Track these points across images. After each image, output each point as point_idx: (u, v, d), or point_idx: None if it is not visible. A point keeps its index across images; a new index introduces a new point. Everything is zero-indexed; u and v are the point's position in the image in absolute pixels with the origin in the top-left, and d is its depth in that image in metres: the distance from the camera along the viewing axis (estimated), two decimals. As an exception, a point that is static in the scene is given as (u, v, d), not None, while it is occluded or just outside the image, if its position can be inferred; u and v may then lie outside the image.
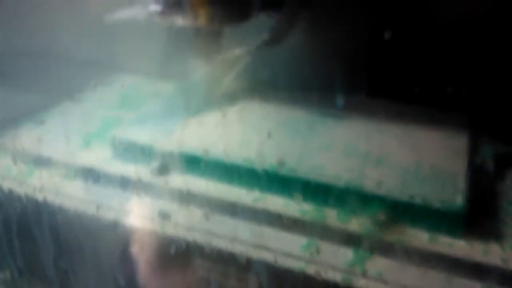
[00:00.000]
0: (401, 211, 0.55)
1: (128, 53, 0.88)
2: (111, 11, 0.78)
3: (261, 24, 0.72)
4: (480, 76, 0.68)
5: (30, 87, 0.89)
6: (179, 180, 0.65)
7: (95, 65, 0.91)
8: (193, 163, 0.64)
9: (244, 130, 0.68)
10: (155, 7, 0.69)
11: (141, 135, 0.69)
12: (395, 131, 0.66)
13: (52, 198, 0.66)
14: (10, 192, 0.68)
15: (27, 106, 0.83)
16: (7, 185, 0.69)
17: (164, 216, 0.61)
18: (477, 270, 0.51)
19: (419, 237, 0.54)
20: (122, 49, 0.88)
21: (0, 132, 0.78)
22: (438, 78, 0.69)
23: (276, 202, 0.60)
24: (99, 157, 0.70)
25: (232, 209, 0.61)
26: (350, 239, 0.56)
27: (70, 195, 0.66)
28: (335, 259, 0.54)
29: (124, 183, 0.66)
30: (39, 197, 0.67)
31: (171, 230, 0.60)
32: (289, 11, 0.71)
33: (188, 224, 0.60)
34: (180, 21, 0.69)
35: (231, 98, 0.75)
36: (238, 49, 0.75)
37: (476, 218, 0.55)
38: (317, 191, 0.58)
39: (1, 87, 0.90)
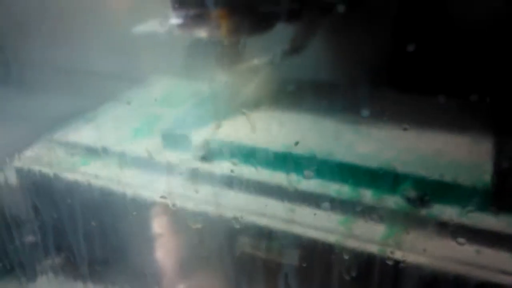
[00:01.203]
0: (432, 189, 0.59)
1: (150, 66, 0.90)
2: (133, 25, 0.80)
3: (281, 33, 0.72)
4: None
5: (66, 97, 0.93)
6: (223, 165, 0.70)
7: (118, 78, 0.93)
8: (235, 151, 0.69)
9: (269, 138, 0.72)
10: (176, 20, 0.71)
11: (187, 128, 0.74)
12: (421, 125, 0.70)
13: (107, 184, 0.72)
14: (67, 180, 0.74)
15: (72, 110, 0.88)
16: (65, 174, 0.75)
17: (214, 196, 0.67)
18: (502, 241, 0.56)
19: (448, 212, 0.59)
20: (144, 62, 0.90)
21: (53, 129, 0.83)
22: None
23: (314, 184, 0.64)
24: (149, 147, 0.75)
25: (273, 191, 0.66)
26: (383, 215, 0.60)
27: (124, 182, 0.72)
28: (370, 233, 0.59)
29: (173, 169, 0.71)
30: (95, 183, 0.72)
31: (218, 209, 0.65)
32: (308, 21, 0.72)
33: (232, 204, 0.66)
34: (200, 33, 0.71)
35: (251, 107, 0.75)
36: (258, 59, 0.76)
37: (501, 194, 0.59)
38: (352, 173, 0.63)
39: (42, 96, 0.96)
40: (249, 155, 0.69)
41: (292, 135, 0.70)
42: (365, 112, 0.66)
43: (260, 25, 0.71)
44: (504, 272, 0.54)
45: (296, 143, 0.67)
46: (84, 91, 0.92)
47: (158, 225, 0.71)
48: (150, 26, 0.78)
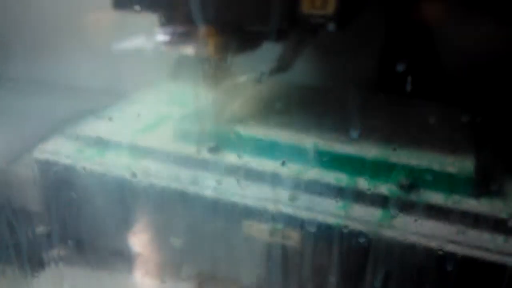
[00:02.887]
0: (421, 177, 0.67)
1: (137, 81, 0.94)
2: (119, 41, 0.83)
3: (267, 52, 0.74)
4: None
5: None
6: (230, 157, 0.75)
7: (104, 94, 0.97)
8: (242, 143, 0.75)
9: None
10: (162, 37, 0.71)
11: (196, 123, 0.80)
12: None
13: (122, 174, 0.76)
14: (85, 170, 0.78)
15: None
16: (81, 164, 0.79)
17: (219, 184, 0.72)
18: (484, 222, 0.63)
19: (435, 197, 0.66)
20: (131, 77, 0.94)
21: (66, 125, 0.86)
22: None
23: (315, 173, 0.71)
24: (161, 140, 0.80)
25: (276, 179, 0.71)
26: (379, 200, 0.67)
27: (141, 171, 0.76)
28: (366, 216, 0.66)
29: (184, 160, 0.76)
30: (112, 173, 0.77)
31: (224, 196, 0.71)
32: (295, 40, 0.74)
33: (237, 191, 0.71)
34: (187, 50, 0.72)
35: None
36: (244, 76, 0.78)
37: (483, 181, 0.66)
38: (350, 162, 0.70)
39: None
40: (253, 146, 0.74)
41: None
42: (354, 133, 0.71)
43: (247, 44, 0.73)
44: (483, 249, 0.61)
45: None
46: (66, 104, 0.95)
47: (173, 212, 0.76)
48: (136, 43, 0.81)
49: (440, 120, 0.72)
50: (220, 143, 0.76)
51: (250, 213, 0.70)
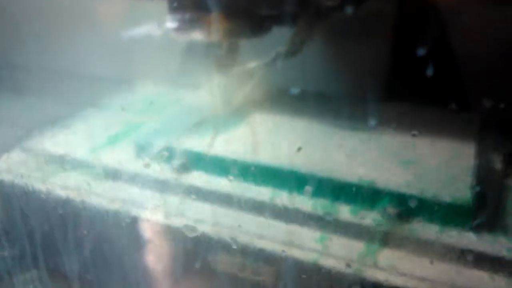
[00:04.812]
0: (411, 205, 0.57)
1: (145, 69, 0.91)
2: (128, 28, 0.80)
3: (277, 37, 0.72)
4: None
5: (51, 99, 0.93)
6: (199, 177, 0.68)
7: (112, 81, 0.95)
8: (211, 162, 0.67)
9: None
10: (171, 24, 0.70)
11: (162, 137, 0.73)
12: (403, 133, 0.68)
13: (75, 196, 0.69)
14: (35, 191, 0.71)
15: (50, 115, 0.87)
16: (33, 185, 0.72)
17: (183, 210, 0.64)
18: (484, 260, 0.53)
19: (428, 230, 0.57)
20: (139, 65, 0.91)
21: (27, 137, 0.81)
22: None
23: (291, 199, 0.62)
24: (122, 157, 0.73)
25: (247, 205, 0.64)
26: (362, 232, 0.58)
27: (95, 193, 0.69)
28: (347, 251, 0.57)
29: (145, 180, 0.69)
30: (63, 195, 0.70)
31: (188, 224, 0.63)
32: (304, 24, 0.71)
33: (202, 218, 0.63)
34: (196, 36, 0.70)
35: (244, 111, 0.77)
36: (253, 62, 0.76)
37: (483, 211, 0.57)
38: (330, 187, 0.61)
39: (23, 99, 0.94)
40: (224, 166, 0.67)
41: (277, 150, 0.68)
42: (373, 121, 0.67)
43: (256, 29, 0.71)
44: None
45: (299, 149, 0.65)
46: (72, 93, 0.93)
47: (132, 237, 0.69)
48: (145, 29, 0.77)
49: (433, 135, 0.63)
50: (187, 161, 0.69)
51: (216, 244, 0.62)
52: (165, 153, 0.70)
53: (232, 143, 0.69)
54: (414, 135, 0.65)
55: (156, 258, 0.67)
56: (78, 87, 0.94)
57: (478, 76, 0.73)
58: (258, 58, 0.75)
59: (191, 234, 0.62)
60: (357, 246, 0.57)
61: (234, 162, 0.66)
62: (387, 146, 0.66)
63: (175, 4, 0.69)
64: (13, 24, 0.98)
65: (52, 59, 0.99)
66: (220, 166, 0.67)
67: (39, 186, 0.72)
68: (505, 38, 0.70)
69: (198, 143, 0.70)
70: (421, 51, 0.61)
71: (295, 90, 0.75)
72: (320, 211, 0.60)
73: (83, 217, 0.69)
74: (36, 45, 0.95)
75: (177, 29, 0.70)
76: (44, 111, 0.90)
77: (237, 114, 0.75)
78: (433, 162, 0.62)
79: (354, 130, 0.69)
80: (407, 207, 0.58)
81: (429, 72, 0.59)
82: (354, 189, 0.60)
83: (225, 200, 0.65)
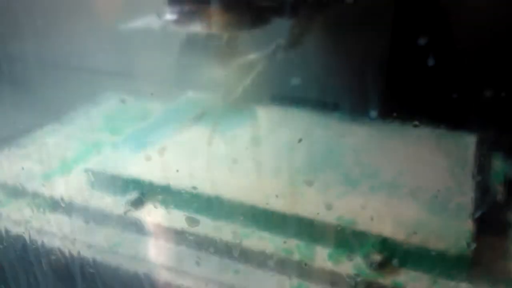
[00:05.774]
0: (398, 251, 0.49)
1: (143, 61, 0.85)
2: (126, 20, 0.77)
3: (277, 29, 0.71)
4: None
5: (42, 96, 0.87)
6: (154, 213, 0.61)
7: (110, 75, 0.89)
8: (170, 195, 0.61)
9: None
10: (170, 16, 0.69)
11: (119, 163, 0.66)
12: (396, 153, 0.60)
13: (22, 232, 0.63)
14: None
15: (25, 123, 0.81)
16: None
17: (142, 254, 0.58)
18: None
19: (418, 280, 0.49)
20: (137, 57, 0.85)
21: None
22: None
23: (263, 239, 0.55)
24: (75, 186, 0.67)
25: (212, 246, 0.57)
26: (342, 281, 0.50)
27: (42, 228, 0.64)
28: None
29: (97, 215, 0.63)
30: (12, 230, 0.64)
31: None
32: (304, 16, 0.69)
33: (163, 263, 0.57)
34: (195, 28, 0.69)
35: (245, 104, 0.74)
36: (253, 54, 0.74)
37: (482, 257, 0.49)
38: (305, 228, 0.53)
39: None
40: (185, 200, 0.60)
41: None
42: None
43: (256, 20, 0.69)
44: None
45: (300, 140, 0.61)
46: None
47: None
48: (144, 22, 0.75)
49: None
50: (144, 194, 0.63)
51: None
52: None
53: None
54: (415, 126, 0.60)
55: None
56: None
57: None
58: (258, 50, 0.73)
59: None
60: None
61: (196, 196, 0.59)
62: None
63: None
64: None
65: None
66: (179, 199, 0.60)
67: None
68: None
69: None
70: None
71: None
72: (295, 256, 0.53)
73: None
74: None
75: (176, 21, 0.69)
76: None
77: (236, 107, 0.74)
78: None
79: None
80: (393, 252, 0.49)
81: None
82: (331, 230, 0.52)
83: (181, 239, 0.58)
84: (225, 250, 0.55)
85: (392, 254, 0.50)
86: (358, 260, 0.51)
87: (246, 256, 0.55)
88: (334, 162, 0.63)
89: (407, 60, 0.64)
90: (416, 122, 0.60)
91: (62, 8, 0.87)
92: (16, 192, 0.69)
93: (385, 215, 0.53)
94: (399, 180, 0.58)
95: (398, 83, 0.69)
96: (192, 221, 0.58)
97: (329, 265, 0.52)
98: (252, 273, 0.54)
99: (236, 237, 0.56)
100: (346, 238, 0.52)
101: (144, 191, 0.62)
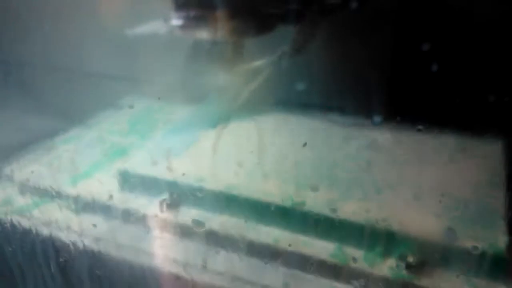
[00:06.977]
0: (433, 253, 0.50)
1: (150, 67, 0.85)
2: (133, 25, 0.77)
3: (282, 35, 0.71)
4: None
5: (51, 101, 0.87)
6: (189, 214, 0.62)
7: (117, 80, 0.90)
8: (205, 197, 0.61)
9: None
10: (176, 21, 0.69)
11: (151, 165, 0.66)
12: (424, 161, 0.61)
13: (57, 233, 0.63)
14: (14, 226, 0.66)
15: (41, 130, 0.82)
16: (12, 218, 0.66)
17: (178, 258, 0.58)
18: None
19: (453, 281, 0.49)
20: (144, 62, 0.86)
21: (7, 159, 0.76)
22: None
23: (298, 241, 0.55)
24: (106, 189, 0.67)
25: (246, 248, 0.57)
26: (378, 283, 0.51)
27: (76, 230, 0.64)
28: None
29: (129, 216, 0.63)
30: (45, 231, 0.64)
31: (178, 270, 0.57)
32: (309, 22, 0.70)
33: (189, 262, 0.57)
34: (201, 34, 0.69)
35: (251, 109, 0.74)
36: (259, 60, 0.75)
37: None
38: (341, 231, 0.54)
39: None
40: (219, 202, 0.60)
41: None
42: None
43: (261, 27, 0.70)
44: None
45: (304, 144, 0.62)
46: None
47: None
48: (150, 27, 0.75)
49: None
50: (178, 197, 0.63)
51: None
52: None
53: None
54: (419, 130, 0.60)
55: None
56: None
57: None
58: (263, 56, 0.74)
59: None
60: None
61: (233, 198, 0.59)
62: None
63: (180, 2, 0.69)
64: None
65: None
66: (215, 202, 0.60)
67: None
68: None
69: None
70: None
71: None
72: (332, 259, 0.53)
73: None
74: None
75: (183, 27, 0.69)
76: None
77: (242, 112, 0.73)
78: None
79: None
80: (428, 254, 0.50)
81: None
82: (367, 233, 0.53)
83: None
84: (265, 252, 0.56)
85: (427, 256, 0.51)
86: (393, 261, 0.52)
87: (291, 261, 0.55)
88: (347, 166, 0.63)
89: (412, 64, 0.64)
90: (420, 127, 0.60)
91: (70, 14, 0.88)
92: (49, 195, 0.69)
93: (416, 217, 0.54)
94: (424, 185, 0.58)
95: (403, 87, 0.69)
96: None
97: (364, 267, 0.52)
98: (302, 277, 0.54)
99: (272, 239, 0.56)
100: (380, 240, 0.53)
101: (177, 192, 0.63)
